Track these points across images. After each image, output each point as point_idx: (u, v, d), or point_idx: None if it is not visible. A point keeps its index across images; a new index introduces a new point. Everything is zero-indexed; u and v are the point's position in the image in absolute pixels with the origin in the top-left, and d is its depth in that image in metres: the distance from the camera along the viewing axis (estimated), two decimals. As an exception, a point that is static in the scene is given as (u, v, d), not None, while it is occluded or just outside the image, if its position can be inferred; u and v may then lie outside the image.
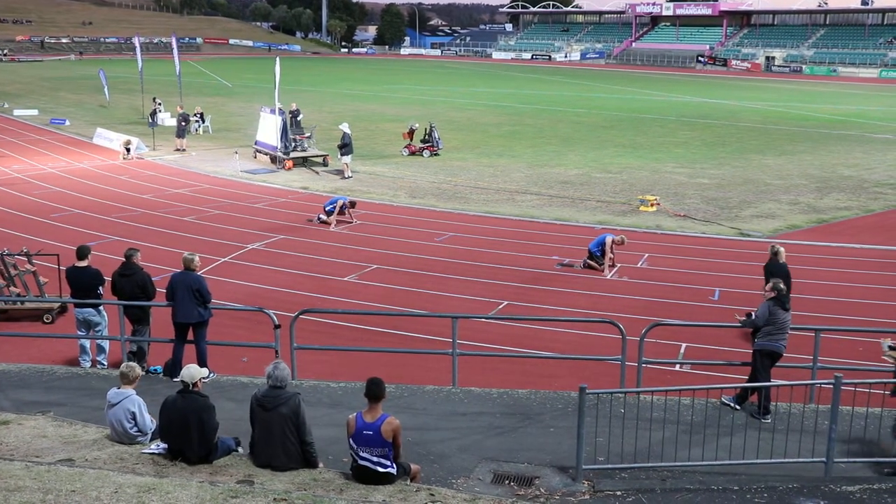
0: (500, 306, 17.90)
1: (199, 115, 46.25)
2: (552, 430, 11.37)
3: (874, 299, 18.90)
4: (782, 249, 15.79)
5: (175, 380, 11.77)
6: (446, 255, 22.04)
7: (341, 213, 25.13)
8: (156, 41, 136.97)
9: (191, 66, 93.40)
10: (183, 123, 39.67)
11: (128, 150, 37.12)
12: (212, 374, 12.71)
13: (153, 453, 9.26)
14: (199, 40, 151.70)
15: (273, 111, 34.78)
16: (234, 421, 10.08)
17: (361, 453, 8.66)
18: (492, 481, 9.87)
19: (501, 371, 14.29)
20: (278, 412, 8.84)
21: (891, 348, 11.37)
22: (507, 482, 9.85)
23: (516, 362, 14.86)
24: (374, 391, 8.64)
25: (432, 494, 8.66)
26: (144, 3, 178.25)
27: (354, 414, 8.76)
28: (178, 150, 38.94)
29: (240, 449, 9.49)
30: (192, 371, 9.16)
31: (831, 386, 9.98)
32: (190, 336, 13.32)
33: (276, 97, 34.58)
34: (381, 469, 8.66)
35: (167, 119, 46.44)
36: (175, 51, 50.12)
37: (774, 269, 15.10)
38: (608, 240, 20.55)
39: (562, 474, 10.03)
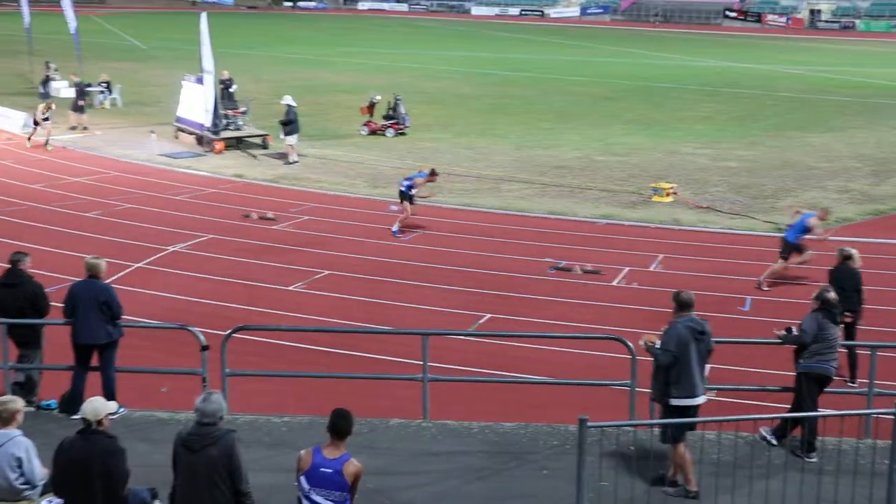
0: (482, 320, 17.85)
1: (104, 85, 45.74)
2: (546, 473, 11.37)
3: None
4: (856, 252, 15.88)
5: (74, 417, 11.58)
6: (414, 257, 21.97)
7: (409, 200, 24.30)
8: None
9: (94, 22, 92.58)
10: (81, 96, 38.94)
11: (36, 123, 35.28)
12: (121, 410, 12.47)
13: (44, 511, 9.10)
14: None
15: (200, 80, 34.51)
16: (150, 467, 9.92)
17: (314, 496, 8.57)
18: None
19: (483, 400, 14.21)
20: (207, 455, 8.71)
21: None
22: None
23: (501, 389, 14.79)
24: (341, 426, 8.59)
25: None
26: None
27: (311, 448, 8.67)
28: (74, 127, 38.43)
29: (157, 502, 9.37)
30: (96, 405, 8.98)
31: (892, 417, 10.03)
32: (95, 361, 13.05)
33: (203, 62, 34.30)
34: (336, 518, 8.59)
35: (63, 89, 45.66)
36: (67, 1, 48.81)
37: (843, 276, 15.25)
38: (811, 221, 20.18)
39: (563, 527, 10.05)
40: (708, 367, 11.63)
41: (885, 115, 46.23)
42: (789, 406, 12.32)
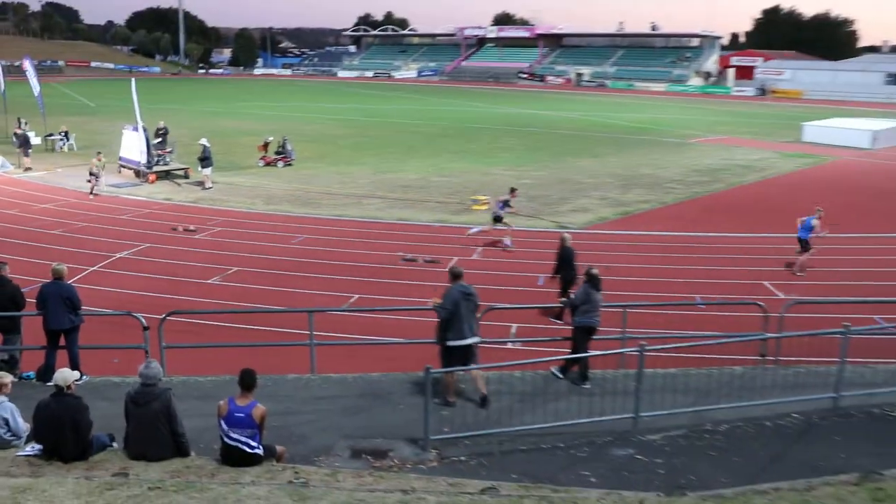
0: (352, 299, 17.83)
1: (63, 134, 43.79)
2: (402, 408, 11.42)
3: (670, 277, 19.88)
4: (569, 236, 17.19)
5: (48, 384, 11.13)
6: (301, 255, 21.76)
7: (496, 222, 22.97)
8: (16, 64, 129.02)
9: (53, 87, 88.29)
10: (24, 143, 36.57)
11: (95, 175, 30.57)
12: (84, 377, 12.04)
13: (28, 455, 8.73)
14: (60, 63, 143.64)
15: (135, 128, 33.47)
16: (109, 418, 9.59)
17: (232, 434, 8.51)
18: (350, 456, 9.86)
19: (356, 358, 14.23)
20: (150, 408, 8.54)
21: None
22: (363, 456, 9.86)
23: (368, 349, 14.83)
24: (247, 380, 8.57)
25: (297, 472, 8.56)
26: (3, 28, 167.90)
27: (227, 399, 8.61)
28: (27, 168, 35.87)
29: (115, 444, 9.08)
30: (65, 374, 8.70)
31: (637, 353, 10.47)
32: (62, 342, 12.64)
33: (136, 115, 33.26)
34: (248, 450, 8.52)
35: (32, 138, 43.49)
36: (30, 71, 45.92)
37: (564, 253, 16.46)
38: (815, 222, 20.67)
39: (412, 445, 10.11)
40: (478, 317, 11.84)
41: (628, 146, 47.79)
42: (569, 350, 12.63)
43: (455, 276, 11.75)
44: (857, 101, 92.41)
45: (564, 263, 16.57)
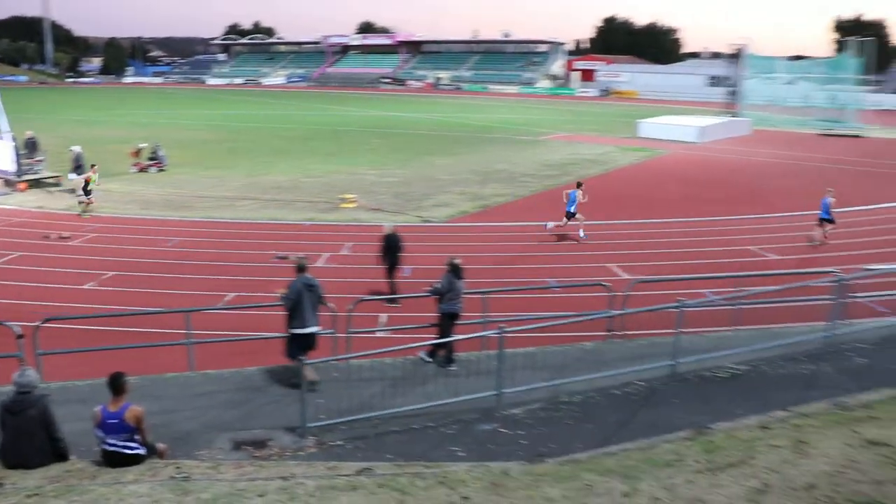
0: (227, 298, 17.35)
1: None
2: (279, 399, 11.24)
3: (526, 264, 20.34)
4: (391, 225, 17.83)
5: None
6: (177, 257, 20.99)
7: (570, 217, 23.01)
8: None
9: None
10: None
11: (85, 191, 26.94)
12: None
13: None
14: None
15: (1, 138, 31.48)
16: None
17: (108, 440, 8.16)
18: (231, 448, 9.65)
19: (233, 354, 13.83)
20: (27, 415, 8.06)
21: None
22: (244, 447, 9.67)
23: (245, 345, 14.44)
24: (115, 385, 8.22)
25: (178, 467, 8.31)
26: None
27: (99, 406, 8.25)
28: None
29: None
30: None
31: (497, 335, 10.67)
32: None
33: (2, 124, 31.27)
34: (128, 451, 8.19)
35: None
36: None
37: (390, 241, 17.01)
38: (830, 200, 22.88)
39: (291, 434, 9.98)
40: (321, 308, 11.90)
41: (484, 145, 48.54)
42: (436, 335, 12.73)
43: (299, 268, 11.82)
44: (684, 100, 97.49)
45: (389, 250, 17.10)
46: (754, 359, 12.36)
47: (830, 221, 22.85)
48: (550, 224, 23.70)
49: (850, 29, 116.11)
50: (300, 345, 11.39)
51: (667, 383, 11.61)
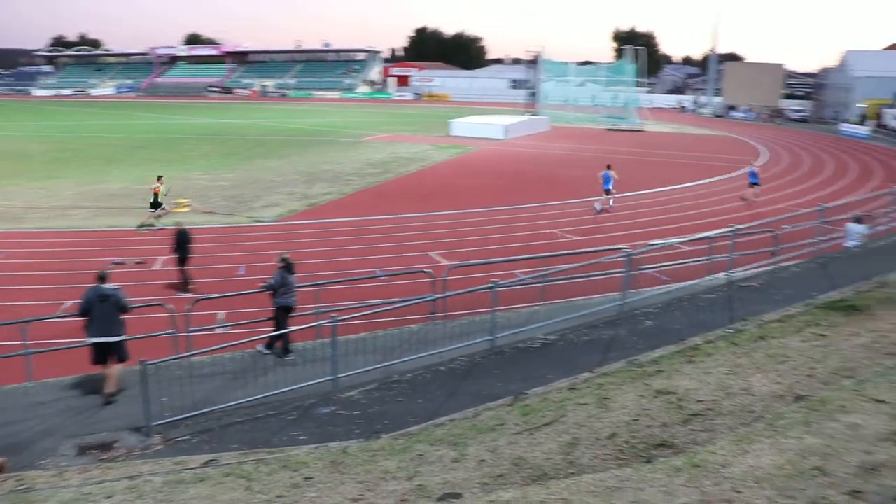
0: (65, 305, 16.14)
1: None
2: (123, 400, 10.64)
3: (354, 256, 20.33)
4: (183, 221, 18.28)
5: None
6: (10, 269, 19.25)
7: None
8: None
9: None
10: None
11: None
12: None
13: None
14: None
15: None
16: None
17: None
18: (76, 454, 9.05)
19: (75, 360, 12.92)
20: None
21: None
22: (90, 451, 9.09)
23: (86, 350, 13.54)
24: None
25: (20, 480, 7.70)
26: None
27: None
28: None
29: None
30: None
31: (331, 324, 10.62)
32: None
33: None
34: (-38, 470, 7.47)
35: None
36: None
37: (181, 236, 17.38)
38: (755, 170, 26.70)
39: (137, 434, 9.51)
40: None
41: (310, 147, 47.87)
42: (272, 328, 12.52)
43: (99, 278, 11.13)
44: (490, 101, 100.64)
45: (180, 245, 17.32)
46: (561, 329, 13.00)
47: (757, 185, 26.81)
48: (598, 205, 25.82)
49: (626, 39, 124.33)
50: (97, 354, 10.84)
51: (487, 357, 12.00)
